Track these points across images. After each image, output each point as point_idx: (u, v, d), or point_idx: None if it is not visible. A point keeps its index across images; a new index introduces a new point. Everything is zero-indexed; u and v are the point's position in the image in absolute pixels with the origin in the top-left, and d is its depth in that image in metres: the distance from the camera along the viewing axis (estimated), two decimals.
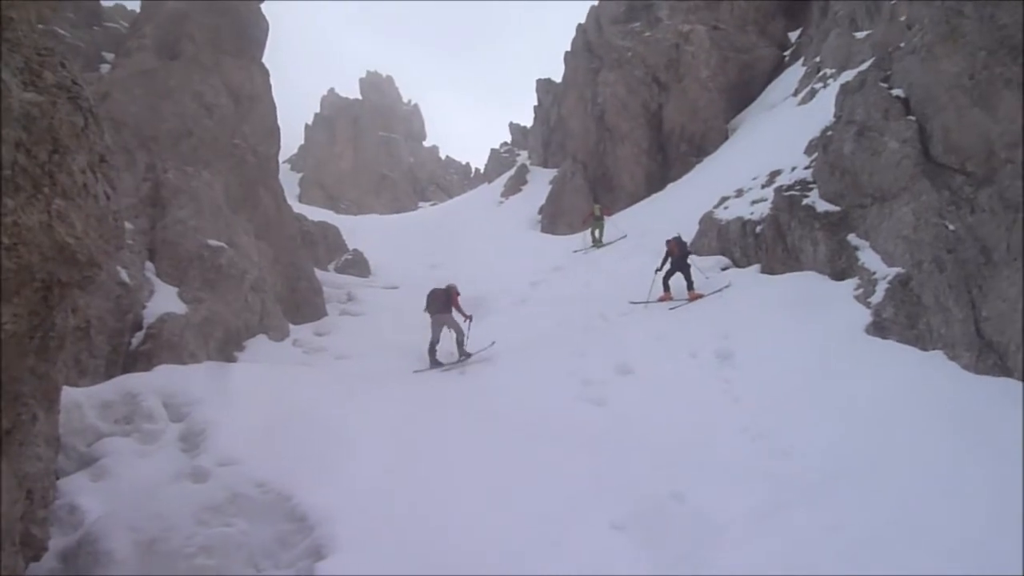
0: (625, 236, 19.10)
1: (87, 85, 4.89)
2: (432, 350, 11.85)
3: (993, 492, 6.09)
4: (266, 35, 16.28)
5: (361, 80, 63.30)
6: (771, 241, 12.52)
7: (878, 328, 9.37)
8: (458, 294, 12.26)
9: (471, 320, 12.16)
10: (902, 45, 11.43)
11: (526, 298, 16.11)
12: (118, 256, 8.63)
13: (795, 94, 20.05)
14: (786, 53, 24.90)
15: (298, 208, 23.53)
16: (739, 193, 15.07)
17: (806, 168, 13.19)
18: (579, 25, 29.85)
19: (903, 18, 15.15)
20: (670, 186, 22.57)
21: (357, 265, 20.03)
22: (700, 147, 23.15)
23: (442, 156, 65.11)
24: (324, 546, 6.09)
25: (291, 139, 45.13)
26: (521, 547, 6.20)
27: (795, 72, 21.88)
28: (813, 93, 18.17)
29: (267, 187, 15.06)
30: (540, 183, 28.61)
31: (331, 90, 59.88)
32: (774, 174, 14.40)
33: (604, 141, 24.64)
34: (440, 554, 6.11)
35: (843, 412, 7.97)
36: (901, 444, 7.16)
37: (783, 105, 20.47)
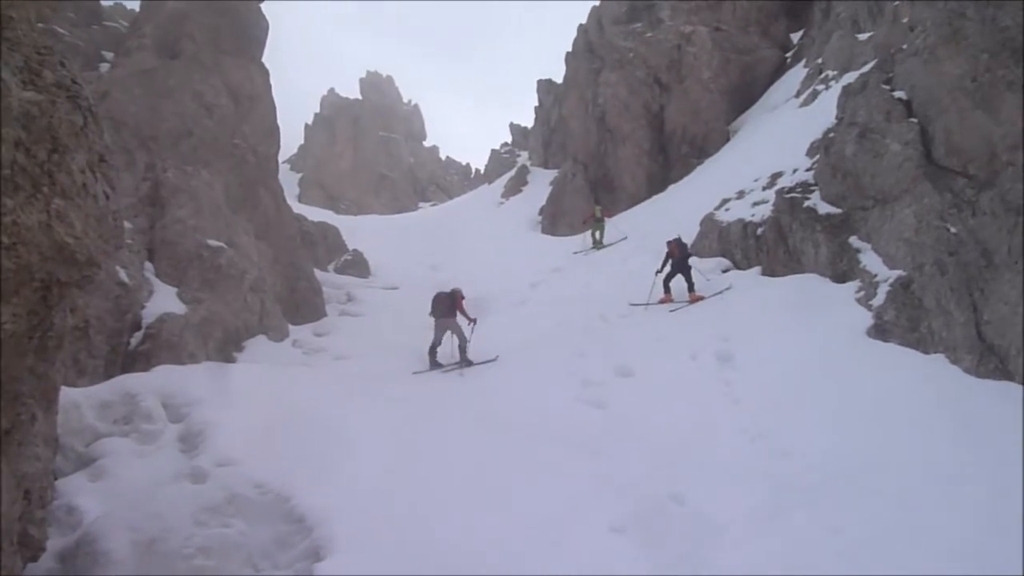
0: (626, 237, 19.08)
1: (86, 84, 4.88)
2: (433, 351, 11.83)
3: (994, 495, 6.09)
4: (266, 35, 16.26)
5: (361, 80, 63.20)
6: (772, 243, 12.50)
7: (879, 331, 9.36)
8: (463, 298, 12.23)
9: (475, 323, 12.12)
10: (904, 47, 11.41)
11: (526, 299, 16.08)
12: (117, 256, 8.63)
13: (797, 96, 20.03)
14: (788, 54, 24.88)
15: (298, 208, 23.48)
16: (740, 195, 15.03)
17: (808, 170, 13.16)
18: (580, 25, 29.83)
19: (905, 20, 15.12)
20: (671, 187, 22.52)
21: (357, 265, 19.98)
22: (701, 148, 23.12)
23: (442, 156, 65.07)
24: (323, 547, 6.07)
25: (291, 139, 45.21)
26: (521, 548, 6.19)
27: (797, 74, 21.85)
28: (815, 95, 18.16)
29: (267, 187, 15.03)
30: (540, 184, 28.59)
31: (331, 90, 59.81)
32: (775, 176, 14.38)
33: (605, 142, 24.60)
34: (439, 555, 6.09)
35: (844, 414, 7.98)
36: (902, 447, 7.17)
37: (785, 107, 20.46)
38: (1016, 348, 7.78)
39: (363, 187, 52.18)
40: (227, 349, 10.76)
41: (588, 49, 28.51)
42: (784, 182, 13.54)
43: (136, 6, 16.10)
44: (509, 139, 44.88)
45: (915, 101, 10.40)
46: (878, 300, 9.68)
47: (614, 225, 20.11)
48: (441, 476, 7.48)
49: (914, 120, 10.24)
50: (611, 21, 28.28)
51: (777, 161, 15.01)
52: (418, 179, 57.27)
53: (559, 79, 31.57)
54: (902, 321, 9.21)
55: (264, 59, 16.30)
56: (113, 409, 7.85)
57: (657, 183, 23.33)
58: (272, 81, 16.21)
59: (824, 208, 11.68)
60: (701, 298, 12.58)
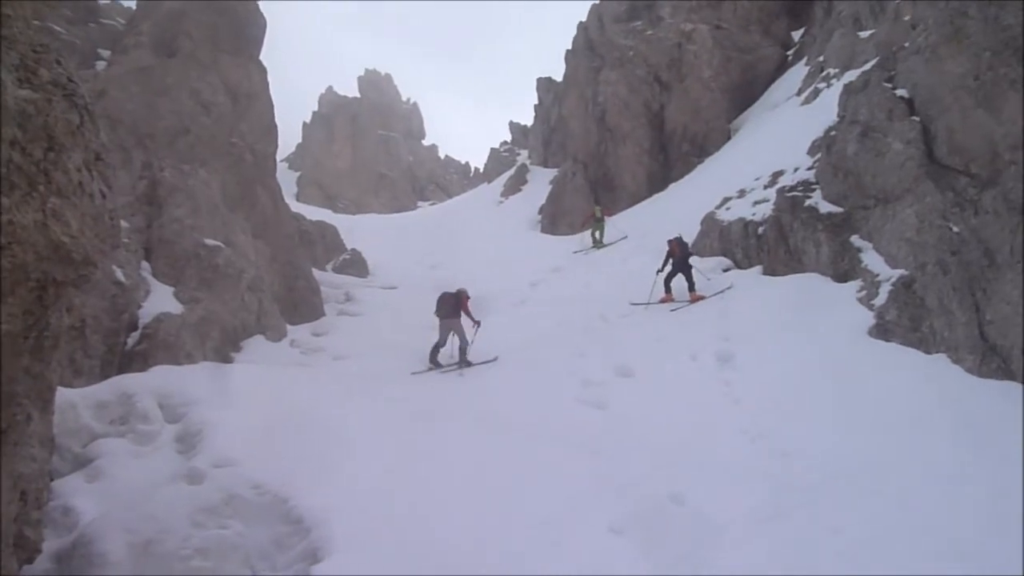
0: (626, 237, 19.04)
1: (83, 82, 4.91)
2: (435, 351, 11.80)
3: (995, 495, 6.10)
4: (264, 33, 16.20)
5: (359, 78, 62.97)
6: (773, 242, 12.46)
7: (881, 331, 9.34)
8: (468, 298, 12.20)
9: (479, 326, 12.09)
10: (906, 45, 11.38)
11: (526, 299, 16.05)
12: (114, 255, 8.63)
13: (798, 94, 19.95)
14: (789, 53, 24.80)
15: (296, 207, 23.41)
16: (741, 194, 15.00)
17: (809, 169, 13.13)
18: (580, 23, 29.71)
19: (907, 18, 15.08)
20: (672, 186, 22.46)
21: (355, 265, 19.91)
22: (702, 147, 23.04)
23: (441, 155, 64.96)
24: (321, 548, 6.04)
25: (289, 137, 44.98)
26: (521, 548, 6.17)
27: (798, 72, 21.77)
28: (816, 93, 18.09)
29: (264, 186, 14.97)
30: (540, 183, 28.52)
31: (329, 88, 59.58)
32: (777, 175, 14.34)
33: (605, 141, 24.54)
34: (439, 555, 6.06)
35: (845, 414, 7.97)
36: (903, 447, 7.17)
37: (786, 105, 20.39)
38: (1018, 348, 7.77)
39: (361, 186, 52.09)
40: (224, 349, 10.70)
41: (588, 47, 28.43)
42: (785, 181, 13.50)
43: (133, 4, 16.09)
44: (509, 138, 44.77)
45: (917, 99, 10.37)
46: (880, 300, 9.66)
47: (614, 224, 20.06)
48: (440, 477, 7.44)
49: (916, 119, 10.21)
50: (611, 19, 28.22)
51: (778, 160, 14.98)
52: (417, 178, 57.19)
53: (559, 77, 31.49)
54: (904, 321, 9.19)
55: (263, 58, 16.26)
56: (110, 409, 7.82)
57: (657, 182, 23.26)
58: (271, 80, 16.17)
59: (825, 207, 11.65)
60: (702, 298, 12.54)
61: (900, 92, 10.71)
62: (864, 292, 10.13)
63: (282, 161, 46.64)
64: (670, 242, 13.13)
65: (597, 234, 19.90)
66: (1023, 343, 7.70)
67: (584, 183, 24.72)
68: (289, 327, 13.36)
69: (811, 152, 13.86)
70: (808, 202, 11.95)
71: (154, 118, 12.27)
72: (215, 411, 8.10)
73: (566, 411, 9.21)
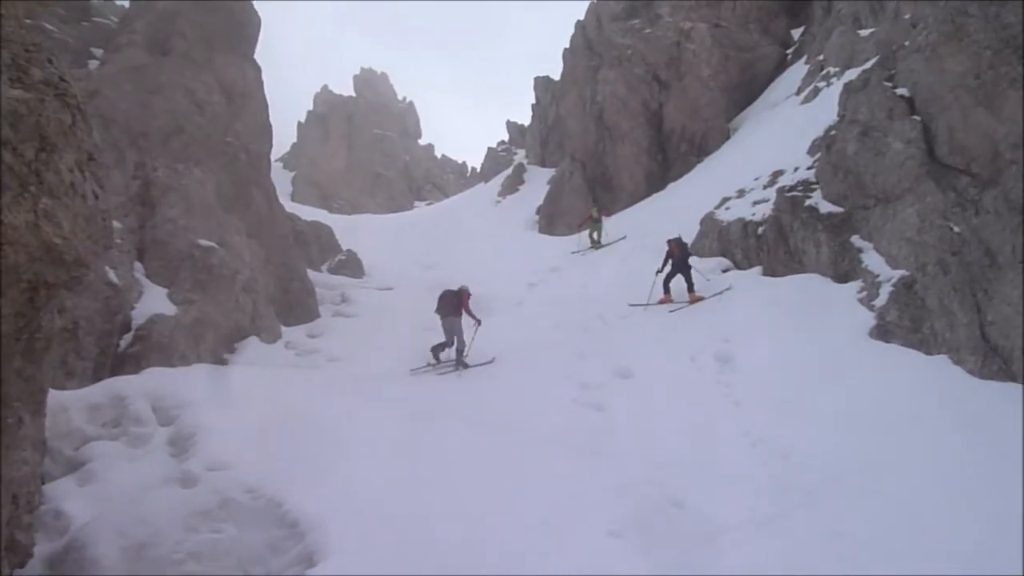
0: (624, 237, 18.99)
1: (75, 82, 4.97)
2: (439, 349, 11.76)
3: (997, 498, 6.11)
4: (258, 31, 16.14)
5: (355, 77, 62.67)
6: (773, 243, 12.41)
7: (882, 332, 9.33)
8: (469, 296, 12.14)
9: (480, 325, 12.04)
10: (906, 44, 11.35)
11: (523, 300, 16.03)
12: (106, 256, 8.53)
13: (798, 93, 19.94)
14: (789, 51, 24.82)
15: (291, 207, 23.28)
16: (741, 194, 14.98)
17: (809, 168, 13.10)
18: (578, 22, 29.65)
19: (907, 17, 15.09)
20: (670, 186, 22.44)
21: (351, 266, 19.82)
22: (701, 147, 23.01)
23: (438, 155, 64.79)
24: (316, 552, 5.94)
25: (283, 137, 44.95)
26: (520, 551, 6.12)
27: (798, 71, 21.78)
28: (816, 92, 18.06)
29: (259, 186, 14.90)
30: (538, 182, 28.47)
31: (324, 87, 59.41)
32: (776, 174, 14.32)
33: (603, 140, 24.48)
34: (436, 558, 5.98)
35: (845, 417, 7.96)
36: (904, 449, 7.18)
37: (785, 104, 20.38)
38: (1019, 349, 7.75)
39: (357, 186, 51.96)
40: (219, 351, 10.65)
41: (586, 46, 28.37)
42: (785, 180, 13.47)
43: (126, 2, 15.95)
44: (506, 137, 44.67)
45: (917, 98, 10.33)
46: (880, 300, 9.63)
47: (613, 225, 20.03)
48: (438, 478, 7.37)
49: (916, 118, 10.17)
50: (609, 18, 28.17)
51: (778, 159, 14.96)
52: (413, 178, 57.05)
53: (557, 76, 31.40)
54: (904, 322, 9.18)
55: (260, 57, 16.25)
56: (102, 412, 7.72)
57: (656, 182, 23.22)
58: (267, 79, 16.15)
59: (825, 207, 11.61)
60: (701, 298, 12.49)
61: (900, 91, 10.68)
62: (865, 293, 10.10)
63: (277, 161, 46.49)
64: (669, 242, 13.06)
65: (595, 234, 19.84)
66: (1023, 344, 7.66)
67: (582, 183, 24.66)
68: (284, 329, 13.31)
69: (811, 152, 13.83)
70: (808, 202, 11.91)
71: (148, 117, 12.20)
72: (209, 413, 7.99)
73: (565, 413, 9.17)
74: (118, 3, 18.15)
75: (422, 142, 63.87)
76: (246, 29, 15.59)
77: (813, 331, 9.87)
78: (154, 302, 10.11)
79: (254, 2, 16.20)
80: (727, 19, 25.08)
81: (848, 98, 12.04)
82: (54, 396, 6.72)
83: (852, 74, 14.15)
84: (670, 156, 23.53)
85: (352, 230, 23.97)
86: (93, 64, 13.60)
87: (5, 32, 4.26)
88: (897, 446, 7.23)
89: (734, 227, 13.82)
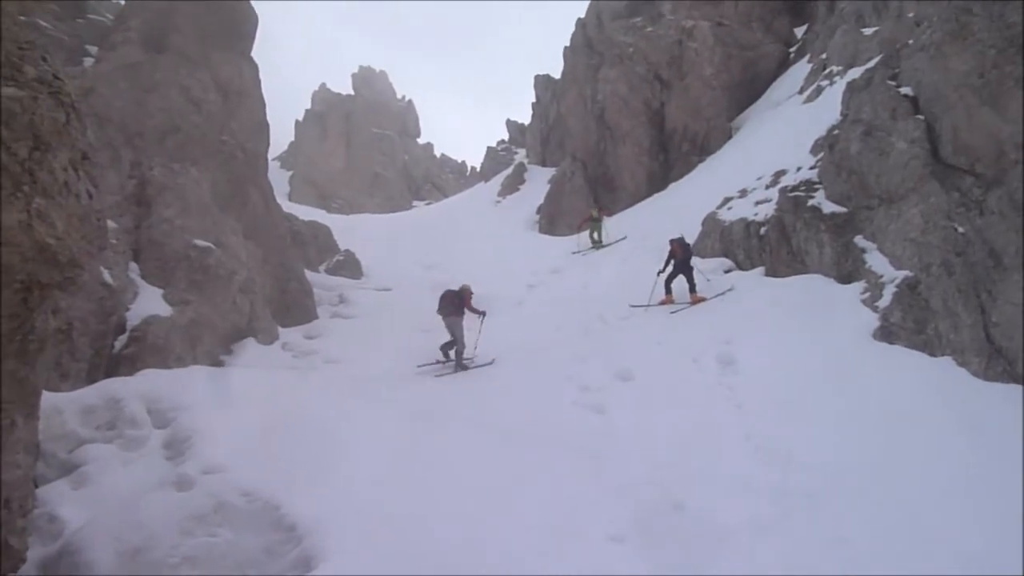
0: (625, 237, 18.92)
1: (70, 79, 5.08)
2: (448, 346, 11.79)
3: (1002, 502, 6.10)
4: (255, 29, 16.03)
5: (353, 75, 62.36)
6: (775, 243, 12.35)
7: (885, 333, 9.29)
8: (471, 295, 12.14)
9: (484, 316, 12.05)
10: (910, 42, 11.28)
11: (524, 300, 15.98)
12: (101, 256, 8.49)
13: (801, 92, 19.89)
14: (792, 50, 24.74)
15: (288, 207, 23.27)
16: (743, 193, 14.91)
17: (812, 168, 13.02)
18: (579, 20, 29.50)
19: (911, 15, 15.03)
20: (672, 186, 22.36)
21: (349, 266, 19.74)
22: (703, 146, 22.90)
23: (437, 154, 64.64)
24: (314, 556, 5.89)
25: (281, 135, 44.81)
26: (520, 553, 6.08)
27: (801, 69, 21.71)
28: (819, 91, 18.00)
29: (256, 185, 14.82)
30: (538, 182, 28.39)
31: (322, 85, 59.21)
32: (779, 174, 14.24)
33: (604, 140, 24.39)
34: (435, 562, 5.92)
35: (848, 419, 7.94)
36: (908, 453, 7.16)
37: (788, 103, 20.33)
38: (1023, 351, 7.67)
39: (355, 185, 51.82)
40: (215, 352, 10.60)
41: (587, 44, 28.24)
42: (788, 180, 13.39)
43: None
44: (506, 136, 44.60)
45: (921, 98, 10.26)
46: (884, 301, 9.59)
47: (614, 225, 19.96)
48: (437, 481, 7.31)
49: (920, 117, 10.11)
50: (611, 16, 28.06)
51: (780, 159, 14.88)
52: (412, 177, 56.92)
53: (558, 75, 31.30)
54: (908, 323, 9.14)
55: (260, 57, 16.16)
56: (96, 414, 7.69)
57: (658, 182, 23.13)
58: (267, 79, 16.11)
59: (829, 207, 11.55)
60: (703, 299, 12.42)
61: (904, 90, 10.62)
62: (868, 294, 10.05)
63: (274, 160, 46.43)
64: (672, 242, 12.98)
65: (596, 234, 19.76)
66: None
67: (583, 183, 24.56)
68: (281, 330, 13.26)
69: (814, 151, 13.75)
70: (811, 202, 11.84)
71: (143, 116, 12.11)
72: (205, 416, 7.95)
73: (565, 415, 9.11)
74: (113, 0, 18.03)
75: (421, 141, 63.65)
76: (243, 26, 15.50)
77: (816, 332, 9.82)
78: (149, 303, 10.06)
79: (252, 1, 16.13)
80: (729, 17, 24.99)
81: (851, 97, 11.97)
82: (48, 398, 6.66)
83: (855, 73, 14.09)
84: (672, 156, 23.42)
85: (350, 230, 23.89)
86: (88, 62, 13.47)
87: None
88: (900, 449, 7.22)
89: (736, 227, 13.74)
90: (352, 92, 59.63)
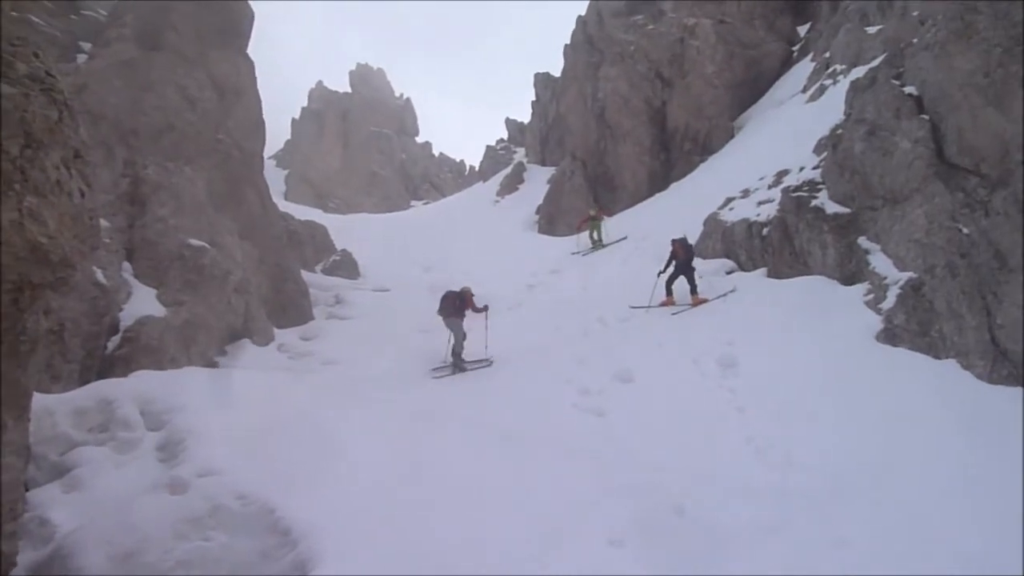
0: (625, 237, 18.87)
1: (62, 76, 5.10)
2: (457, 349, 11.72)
3: (1006, 505, 6.11)
4: (251, 26, 15.95)
5: (351, 73, 62.15)
6: (778, 244, 12.29)
7: (889, 335, 9.25)
8: (472, 296, 12.11)
9: (487, 310, 12.08)
10: (915, 41, 11.20)
11: (523, 301, 15.95)
12: (94, 256, 8.39)
13: (804, 91, 19.88)
14: (795, 49, 24.72)
15: (284, 206, 23.22)
16: (745, 194, 14.88)
17: (815, 168, 12.98)
18: (579, 17, 29.41)
19: (915, 14, 14.94)
20: (673, 186, 22.32)
21: (346, 267, 19.67)
22: (705, 145, 22.85)
23: (435, 153, 64.51)
24: (309, 560, 5.84)
25: (277, 133, 44.76)
26: (520, 554, 6.05)
27: (804, 68, 21.69)
28: (822, 90, 17.97)
29: (252, 184, 14.73)
30: (538, 182, 28.36)
31: (319, 83, 59.02)
32: (781, 174, 14.21)
33: (605, 139, 24.31)
34: (432, 564, 5.87)
35: (852, 423, 7.93)
36: (912, 456, 7.17)
37: (791, 102, 20.31)
38: None
39: (353, 184, 51.68)
40: (209, 353, 10.53)
41: (587, 42, 28.12)
42: (790, 180, 13.35)
43: None
44: (505, 135, 44.50)
45: (926, 97, 10.19)
46: (888, 303, 9.54)
47: (614, 225, 19.91)
48: (436, 483, 7.26)
49: (925, 117, 10.03)
50: (611, 13, 27.99)
51: (783, 159, 14.85)
52: (410, 176, 56.76)
53: (558, 73, 31.20)
54: (912, 325, 9.09)
55: (258, 56, 16.06)
56: (89, 416, 7.61)
57: (659, 181, 23.07)
58: (262, 76, 15.99)
59: (832, 208, 11.49)
60: (704, 301, 12.35)
61: (908, 89, 10.54)
62: (872, 295, 10.00)
63: (270, 158, 46.27)
64: (674, 242, 12.88)
65: (596, 234, 19.68)
66: None
67: (583, 182, 24.48)
68: (277, 331, 13.20)
69: (817, 151, 13.72)
70: (814, 202, 11.79)
71: (137, 114, 11.99)
72: (200, 418, 7.88)
73: (565, 417, 9.08)
74: None
75: (419, 140, 63.50)
76: (239, 24, 15.40)
77: (818, 334, 9.78)
78: (143, 303, 9.99)
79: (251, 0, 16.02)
80: (732, 15, 24.93)
81: (855, 96, 11.88)
82: (39, 400, 6.62)
83: (859, 72, 14.03)
84: (673, 155, 23.36)
85: (347, 230, 23.87)
86: (81, 58, 13.31)
87: None
88: (903, 452, 7.21)
89: (738, 228, 13.68)
90: (349, 90, 59.44)
